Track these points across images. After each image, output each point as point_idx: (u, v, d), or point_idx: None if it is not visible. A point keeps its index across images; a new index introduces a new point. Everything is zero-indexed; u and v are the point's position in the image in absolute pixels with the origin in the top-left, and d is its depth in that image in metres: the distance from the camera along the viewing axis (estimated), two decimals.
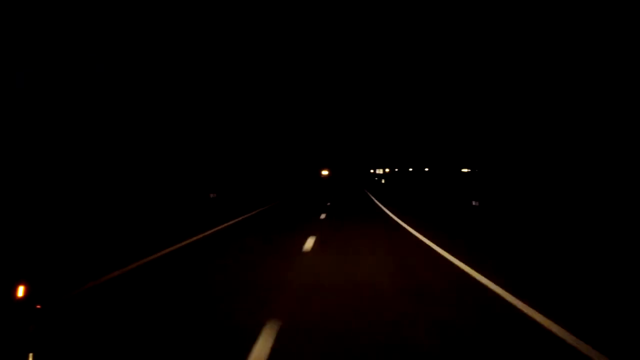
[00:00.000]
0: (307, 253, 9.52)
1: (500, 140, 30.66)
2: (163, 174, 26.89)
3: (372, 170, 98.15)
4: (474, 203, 21.41)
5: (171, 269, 7.88)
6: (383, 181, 73.42)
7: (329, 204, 25.55)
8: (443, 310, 5.39)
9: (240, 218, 16.92)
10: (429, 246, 10.40)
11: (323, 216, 18.00)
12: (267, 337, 4.39)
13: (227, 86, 41.41)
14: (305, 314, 5.26)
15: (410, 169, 71.92)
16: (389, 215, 18.39)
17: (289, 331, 4.62)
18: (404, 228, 14.05)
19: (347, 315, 5.22)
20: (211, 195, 25.75)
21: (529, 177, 25.20)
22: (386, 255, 9.31)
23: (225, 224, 14.59)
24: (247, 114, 47.59)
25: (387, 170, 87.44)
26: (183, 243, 10.49)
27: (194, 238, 11.33)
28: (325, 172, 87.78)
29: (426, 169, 64.39)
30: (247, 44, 52.07)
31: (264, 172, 50.07)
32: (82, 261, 8.11)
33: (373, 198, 31.55)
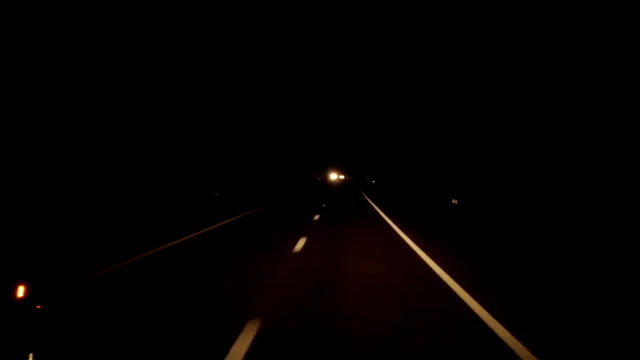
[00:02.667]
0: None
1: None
2: (172, 174, 27.72)
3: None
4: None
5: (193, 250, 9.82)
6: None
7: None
8: None
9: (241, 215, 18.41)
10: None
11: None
12: None
13: (229, 89, 41.60)
14: None
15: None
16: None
17: None
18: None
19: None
20: (215, 194, 28.18)
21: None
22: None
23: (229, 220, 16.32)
24: (248, 117, 47.94)
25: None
26: (197, 233, 12.41)
27: (204, 230, 13.19)
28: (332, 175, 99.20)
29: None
30: (249, 48, 52.15)
31: (263, 173, 50.69)
32: (106, 247, 9.64)
33: None
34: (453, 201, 20.21)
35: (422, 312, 5.49)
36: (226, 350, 4.16)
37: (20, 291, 2.97)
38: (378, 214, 20.19)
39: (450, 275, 7.37)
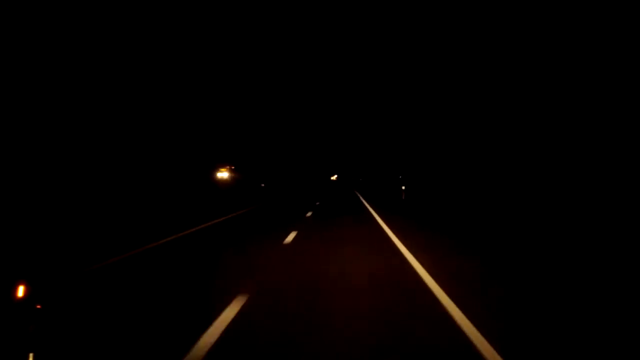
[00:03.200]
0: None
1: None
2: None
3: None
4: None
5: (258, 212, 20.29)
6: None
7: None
8: None
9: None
10: None
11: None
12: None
13: (232, 91, 43.19)
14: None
15: None
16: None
17: None
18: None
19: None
20: (262, 185, 43.82)
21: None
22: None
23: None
24: (257, 121, 53.90)
25: None
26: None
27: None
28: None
29: None
30: (268, 53, 53.81)
31: (291, 171, 72.75)
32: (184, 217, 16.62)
33: None
34: (402, 187, 32.22)
35: (360, 212, 20.10)
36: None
37: (20, 291, 2.96)
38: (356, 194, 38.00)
39: (376, 213, 18.49)
